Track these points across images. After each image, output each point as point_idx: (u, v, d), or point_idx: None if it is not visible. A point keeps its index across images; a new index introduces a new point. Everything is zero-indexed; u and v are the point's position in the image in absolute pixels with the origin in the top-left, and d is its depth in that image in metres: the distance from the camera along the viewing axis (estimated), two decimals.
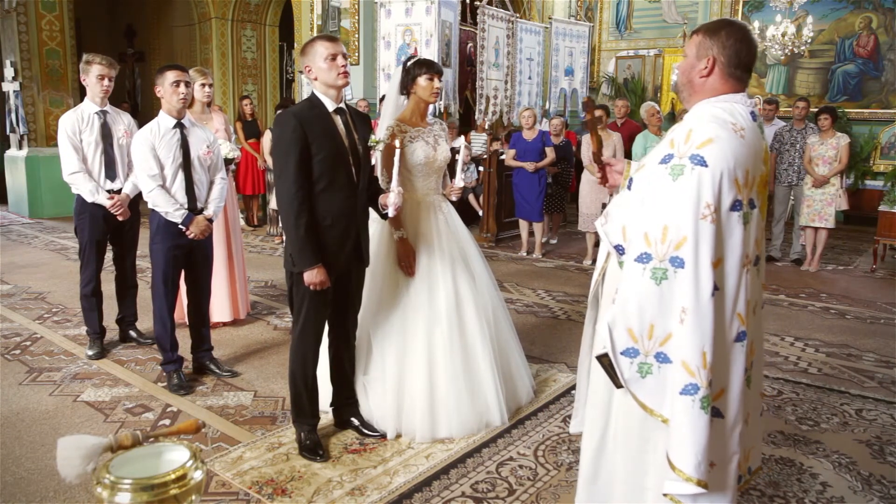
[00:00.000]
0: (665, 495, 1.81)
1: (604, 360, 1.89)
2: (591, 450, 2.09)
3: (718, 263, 1.76)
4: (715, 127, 1.79)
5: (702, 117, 1.84)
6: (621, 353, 1.83)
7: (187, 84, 3.53)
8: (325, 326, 2.98)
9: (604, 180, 2.18)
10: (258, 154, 8.74)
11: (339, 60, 2.74)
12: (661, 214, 1.77)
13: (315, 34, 9.53)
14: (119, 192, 4.07)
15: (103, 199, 3.97)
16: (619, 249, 1.89)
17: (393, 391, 3.12)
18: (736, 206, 1.77)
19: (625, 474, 1.99)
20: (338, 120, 2.81)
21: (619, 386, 1.87)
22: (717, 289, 1.76)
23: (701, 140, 1.77)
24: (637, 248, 1.81)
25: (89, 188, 3.94)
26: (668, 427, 1.79)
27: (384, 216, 3.00)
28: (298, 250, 2.73)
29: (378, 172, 3.22)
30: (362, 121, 2.95)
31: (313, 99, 2.82)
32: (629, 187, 1.96)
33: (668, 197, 1.77)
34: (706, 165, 1.73)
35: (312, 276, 2.75)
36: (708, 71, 1.89)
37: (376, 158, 2.97)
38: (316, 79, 2.77)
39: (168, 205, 3.48)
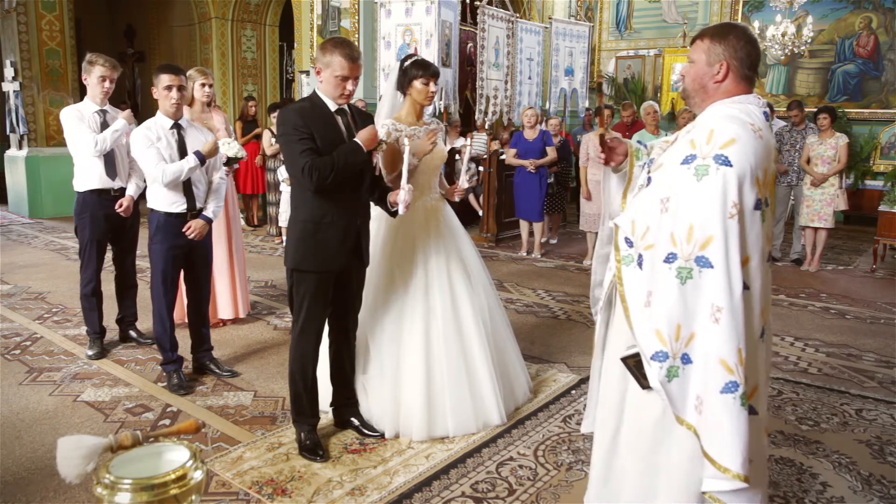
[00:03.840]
0: (704, 493, 1.81)
1: (629, 362, 1.89)
2: (602, 450, 2.09)
3: (746, 262, 1.78)
4: (736, 127, 1.81)
5: (721, 118, 1.86)
6: (651, 358, 1.81)
7: (181, 88, 3.49)
8: (324, 326, 2.98)
9: (606, 160, 2.20)
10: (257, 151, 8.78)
11: (349, 85, 2.74)
12: (687, 214, 1.78)
13: (315, 34, 9.54)
14: (120, 190, 4.08)
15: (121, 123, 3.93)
16: (628, 242, 1.90)
17: (390, 390, 3.13)
18: (758, 204, 1.79)
19: (636, 476, 1.99)
20: (339, 120, 2.81)
21: (644, 387, 1.87)
22: (747, 287, 1.78)
23: (724, 140, 1.78)
24: (664, 249, 1.81)
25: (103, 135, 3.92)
26: (704, 428, 1.78)
27: (393, 214, 3.00)
28: (346, 158, 2.67)
29: (382, 170, 3.22)
30: (364, 120, 2.95)
31: (315, 98, 2.81)
32: (647, 185, 1.97)
33: (693, 197, 1.78)
34: (731, 165, 1.75)
35: (365, 135, 2.71)
36: (722, 76, 1.91)
37: (378, 158, 2.97)
38: (321, 81, 2.78)
39: (180, 165, 3.43)
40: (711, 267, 1.74)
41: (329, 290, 2.90)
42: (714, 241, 1.73)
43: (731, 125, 1.81)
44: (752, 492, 1.82)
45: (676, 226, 1.79)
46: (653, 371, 1.81)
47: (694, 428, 1.81)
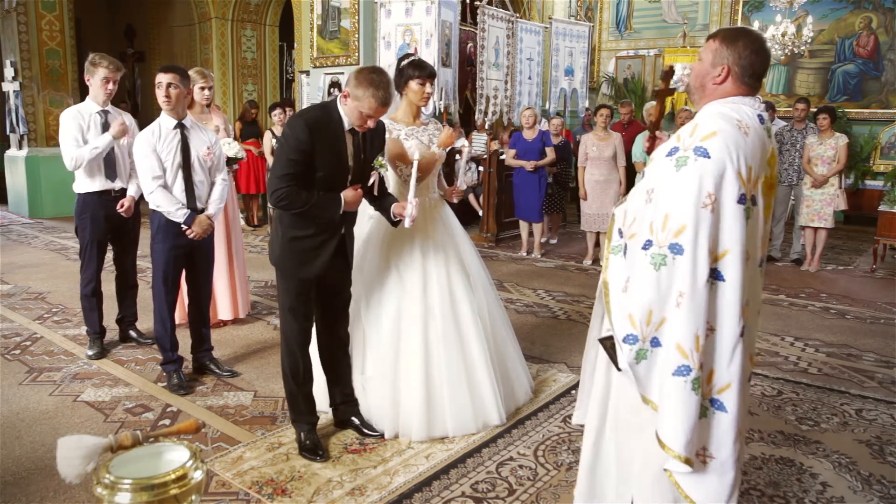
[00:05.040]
0: (666, 471, 1.87)
1: (606, 343, 1.94)
2: (591, 438, 2.15)
3: (724, 254, 1.81)
4: (720, 122, 1.85)
5: (709, 114, 1.91)
6: (622, 341, 1.87)
7: (170, 86, 3.47)
8: (311, 322, 2.99)
9: (650, 150, 2.33)
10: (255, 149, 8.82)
11: (370, 122, 2.74)
12: (664, 204, 1.83)
13: (315, 34, 9.53)
14: (120, 191, 4.07)
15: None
16: (620, 233, 1.97)
17: (390, 390, 3.13)
18: (741, 199, 1.81)
19: (618, 462, 2.05)
20: (349, 139, 2.79)
21: (619, 369, 1.92)
22: (724, 279, 1.81)
23: (705, 133, 1.83)
24: (643, 237, 1.86)
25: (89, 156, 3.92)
26: (659, 409, 1.84)
27: (395, 224, 3.00)
28: (321, 210, 2.74)
29: (389, 170, 3.21)
30: (375, 137, 2.92)
31: (333, 111, 2.76)
32: (642, 177, 2.02)
33: (671, 187, 1.83)
34: (709, 157, 1.79)
35: (351, 197, 2.79)
36: (722, 79, 1.95)
37: (376, 177, 2.96)
38: (346, 104, 2.72)
39: (170, 204, 3.47)
40: (682, 254, 1.78)
41: (311, 289, 2.91)
42: (687, 230, 1.77)
43: (715, 120, 1.86)
44: (715, 486, 1.86)
45: (655, 214, 1.84)
46: (623, 353, 1.87)
47: (658, 407, 1.86)
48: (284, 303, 2.90)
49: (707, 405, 1.86)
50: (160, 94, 3.47)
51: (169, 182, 3.52)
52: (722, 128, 1.82)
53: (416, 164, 2.86)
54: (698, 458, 1.86)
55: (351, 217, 2.97)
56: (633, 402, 1.93)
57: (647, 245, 1.84)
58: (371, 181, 2.93)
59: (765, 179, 1.91)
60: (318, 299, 2.97)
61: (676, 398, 1.79)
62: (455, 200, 3.35)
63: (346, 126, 2.77)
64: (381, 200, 3.02)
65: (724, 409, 1.86)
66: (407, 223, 2.86)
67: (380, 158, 2.91)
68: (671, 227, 1.79)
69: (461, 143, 3.27)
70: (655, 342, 1.84)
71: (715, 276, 1.80)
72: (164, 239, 3.53)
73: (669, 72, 2.60)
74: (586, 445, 2.17)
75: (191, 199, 3.56)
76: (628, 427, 1.99)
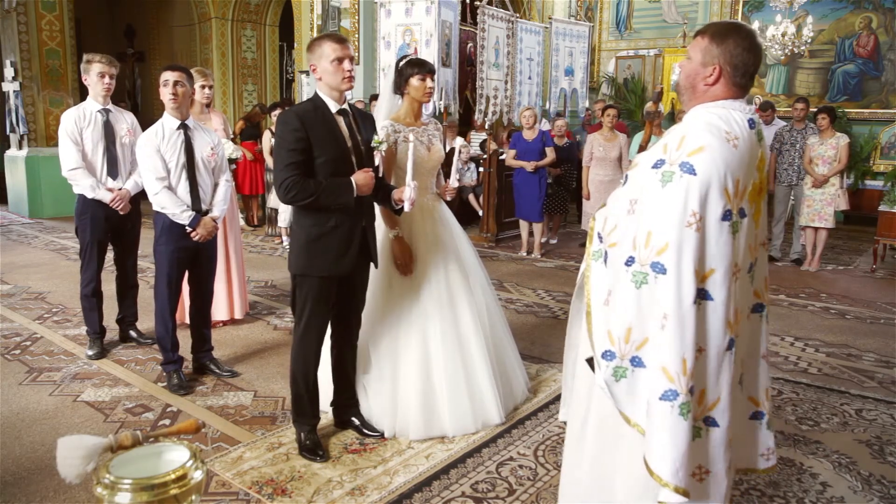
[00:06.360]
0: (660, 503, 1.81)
1: (590, 361, 1.91)
2: (573, 439, 2.11)
3: (711, 273, 1.76)
4: (707, 135, 1.78)
5: (697, 124, 1.84)
6: (601, 356, 1.84)
7: (176, 84, 3.47)
8: (327, 328, 2.98)
9: None
10: (252, 152, 8.83)
11: (346, 65, 2.73)
12: (648, 220, 1.78)
13: (315, 34, 9.55)
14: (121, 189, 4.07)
15: (104, 195, 3.96)
16: (600, 238, 1.92)
17: (389, 389, 3.13)
18: (726, 216, 1.76)
19: (599, 468, 2.00)
20: (341, 122, 2.80)
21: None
22: (711, 299, 1.76)
23: (692, 148, 1.76)
24: (625, 252, 1.82)
25: (89, 184, 3.94)
26: (646, 434, 1.79)
27: (398, 212, 3.00)
28: (333, 196, 2.70)
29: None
30: (366, 120, 2.95)
31: (316, 100, 2.80)
32: (624, 182, 1.97)
33: (655, 203, 1.78)
34: (695, 174, 1.73)
35: (362, 180, 2.74)
36: (714, 80, 1.87)
37: (380, 158, 2.97)
38: (320, 79, 2.77)
39: (175, 206, 3.47)
40: (665, 273, 1.73)
41: (332, 293, 2.90)
42: (669, 249, 1.72)
43: (703, 133, 1.79)
44: (714, 498, 1.81)
45: (638, 229, 1.80)
46: (600, 369, 1.83)
47: (645, 432, 1.81)
48: (304, 309, 2.86)
49: (701, 425, 1.81)
50: (167, 92, 3.46)
51: (173, 183, 3.51)
52: (709, 143, 1.76)
53: (411, 146, 2.86)
54: (694, 477, 1.80)
55: (369, 209, 2.96)
56: (613, 408, 1.88)
57: (630, 262, 1.79)
58: (376, 163, 2.93)
59: (753, 185, 1.86)
60: (336, 300, 2.96)
61: (663, 423, 1.73)
62: (448, 198, 3.35)
63: (334, 109, 2.78)
64: (381, 190, 3.01)
65: (717, 423, 1.82)
66: (407, 207, 2.85)
67: (376, 137, 2.91)
68: (654, 245, 1.74)
69: (459, 142, 3.27)
70: (637, 362, 1.79)
71: (703, 296, 1.75)
72: (169, 241, 3.53)
73: (660, 94, 2.57)
74: (569, 446, 2.13)
75: (195, 201, 3.56)
76: (613, 434, 1.93)
